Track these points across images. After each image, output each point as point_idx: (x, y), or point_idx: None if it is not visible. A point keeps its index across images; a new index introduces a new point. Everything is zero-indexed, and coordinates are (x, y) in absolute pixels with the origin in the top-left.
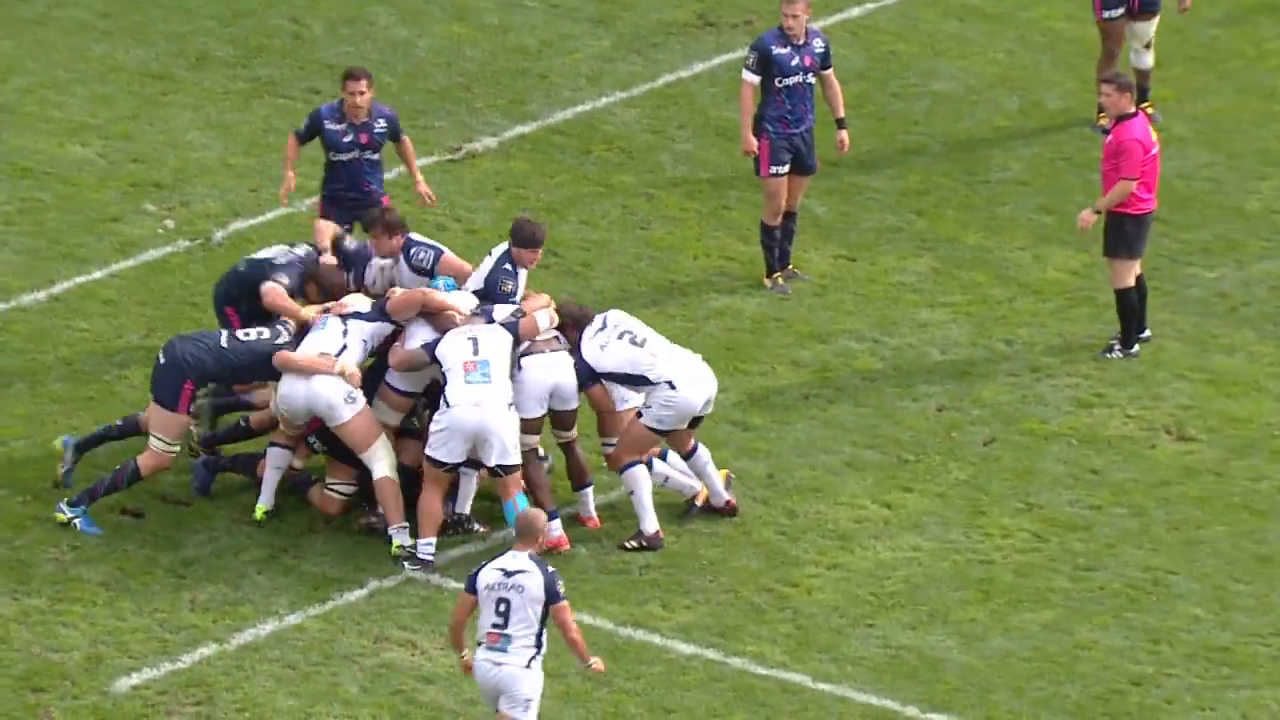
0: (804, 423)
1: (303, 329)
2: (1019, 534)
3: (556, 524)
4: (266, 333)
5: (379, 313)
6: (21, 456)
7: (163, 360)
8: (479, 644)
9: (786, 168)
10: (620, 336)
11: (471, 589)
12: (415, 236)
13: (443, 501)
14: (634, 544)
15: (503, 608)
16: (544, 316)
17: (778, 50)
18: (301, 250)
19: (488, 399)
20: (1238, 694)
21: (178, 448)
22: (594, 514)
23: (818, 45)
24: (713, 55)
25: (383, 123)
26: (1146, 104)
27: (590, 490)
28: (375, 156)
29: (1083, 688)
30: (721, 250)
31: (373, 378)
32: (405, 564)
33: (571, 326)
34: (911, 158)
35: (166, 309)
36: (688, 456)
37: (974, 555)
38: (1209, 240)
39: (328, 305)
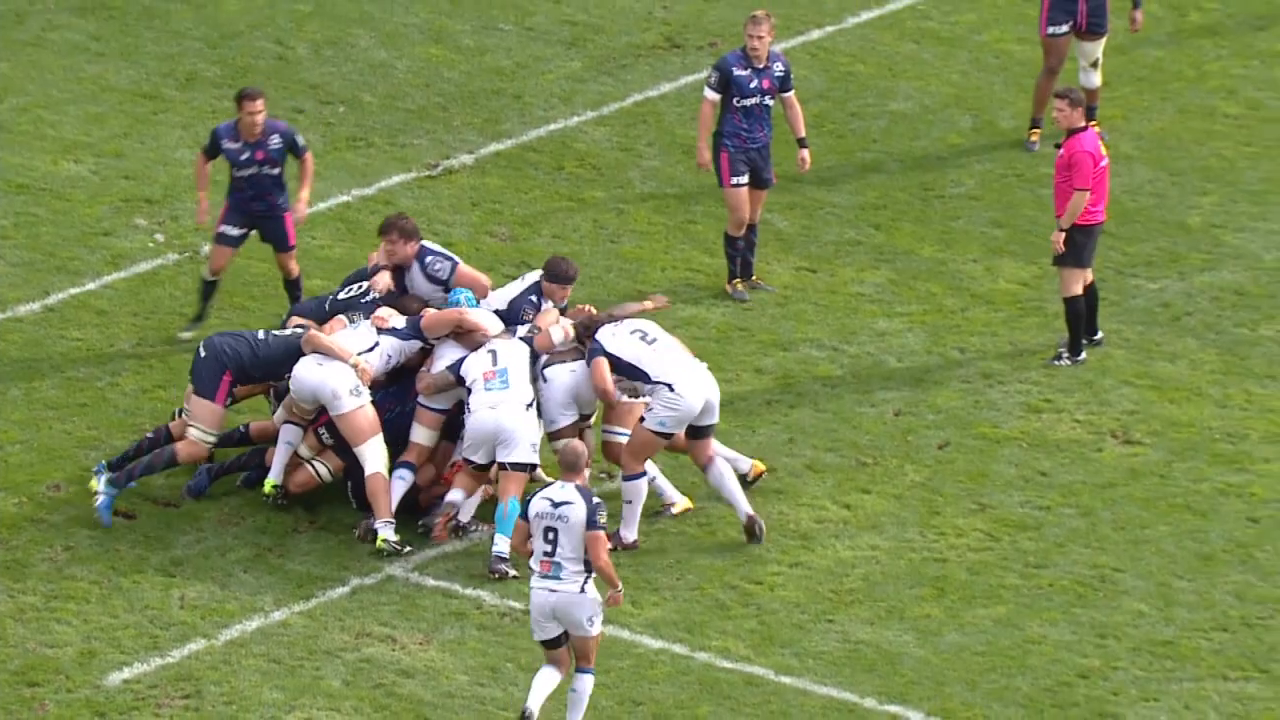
0: (766, 427)
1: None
2: (972, 533)
3: None
4: (298, 330)
5: (414, 329)
6: (17, 460)
7: (203, 353)
8: (533, 572)
9: (746, 179)
10: (632, 332)
11: (524, 516)
12: (430, 245)
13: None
14: (610, 546)
15: (551, 536)
16: (557, 331)
17: (739, 72)
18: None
19: (504, 401)
20: (1181, 686)
21: (214, 438)
22: None
23: (778, 69)
24: (679, 76)
25: (277, 138)
26: (1093, 122)
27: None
28: (275, 171)
29: (1033, 680)
30: (687, 262)
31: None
32: (389, 557)
33: (587, 337)
34: (870, 174)
35: (156, 319)
36: (705, 469)
37: (929, 554)
38: (1153, 253)
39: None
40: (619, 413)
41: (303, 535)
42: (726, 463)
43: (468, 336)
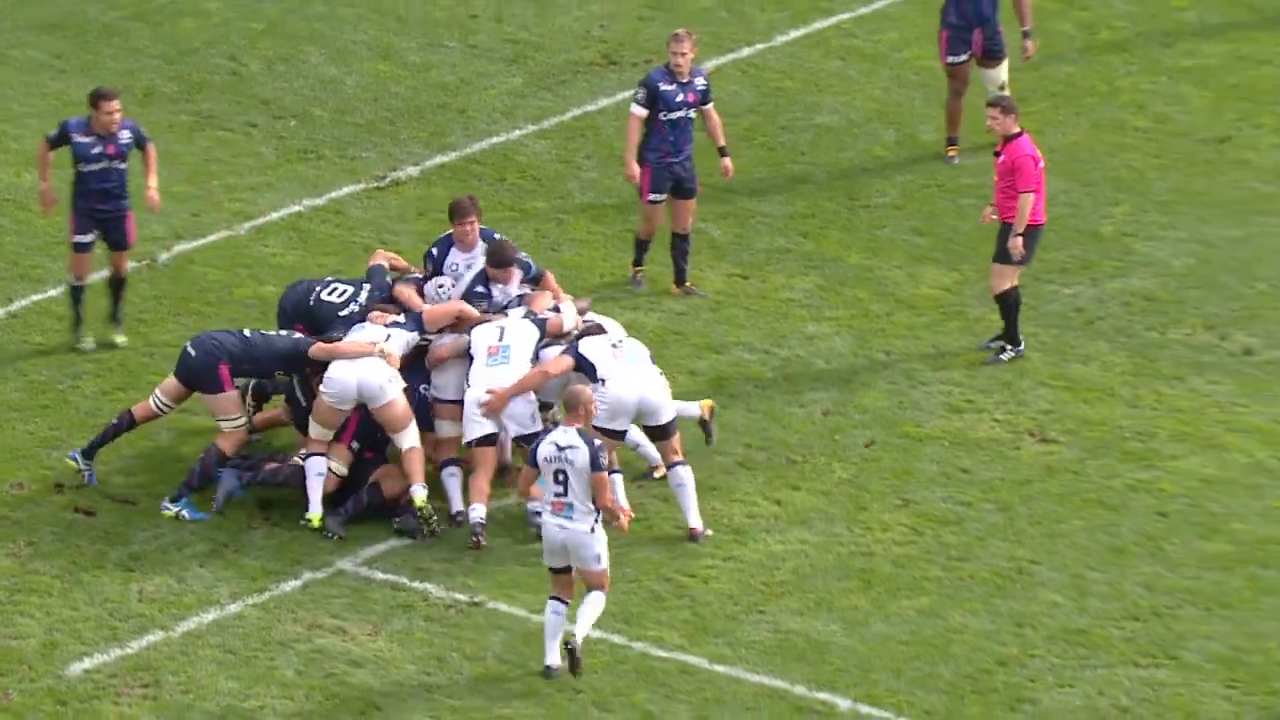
0: (700, 426)
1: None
2: (897, 528)
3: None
4: (285, 334)
5: (415, 323)
6: None
7: (194, 354)
8: (546, 509)
9: (664, 195)
10: (614, 345)
11: (533, 462)
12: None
13: (491, 480)
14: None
15: (561, 478)
16: (569, 317)
17: (664, 87)
18: (363, 296)
19: (503, 380)
20: (1094, 673)
21: (243, 420)
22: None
23: (699, 83)
24: (616, 91)
25: (127, 134)
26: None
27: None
28: (123, 166)
29: (954, 668)
30: (625, 270)
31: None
32: (432, 525)
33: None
34: (798, 185)
35: None
36: (668, 469)
37: (856, 548)
38: (1067, 261)
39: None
40: None
41: (257, 531)
42: (689, 471)
43: (465, 328)
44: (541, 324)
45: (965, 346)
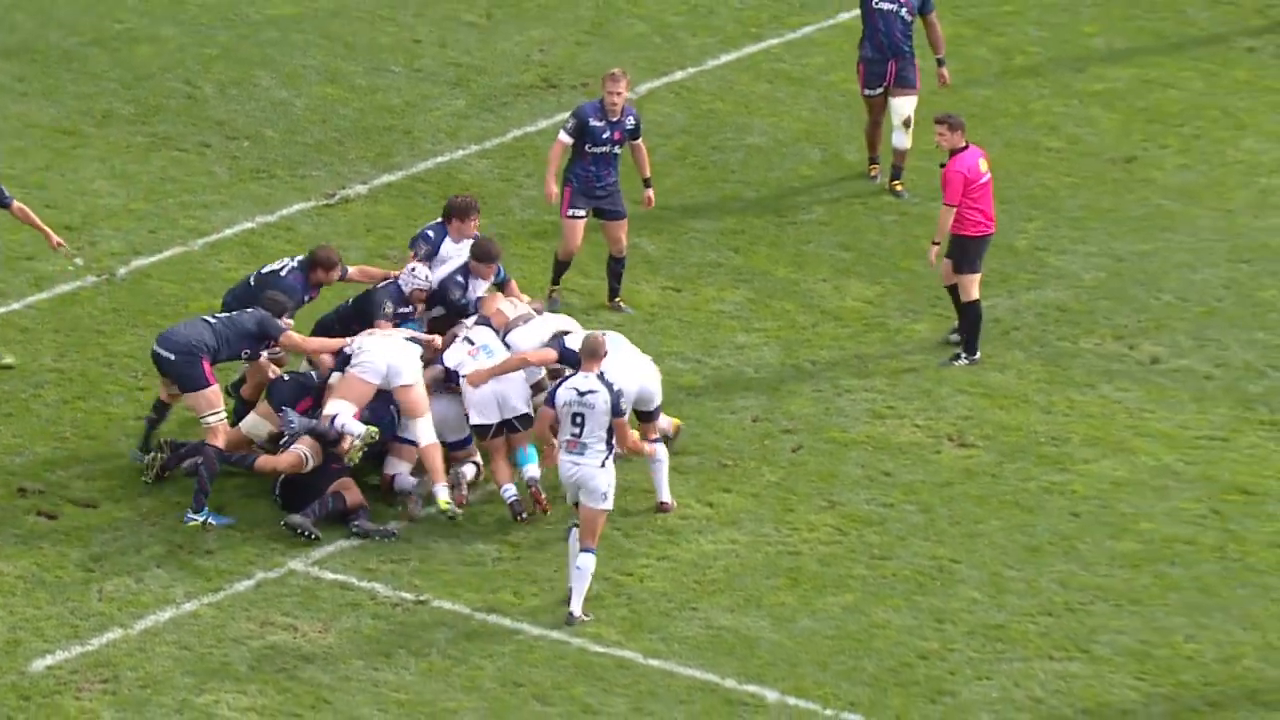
0: (636, 432)
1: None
2: (823, 528)
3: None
4: (244, 312)
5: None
6: None
7: (172, 356)
8: (561, 448)
9: (584, 213)
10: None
11: (551, 404)
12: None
13: (508, 468)
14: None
15: (579, 420)
16: (506, 304)
17: (594, 122)
18: (295, 261)
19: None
20: (1011, 666)
21: (223, 413)
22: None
23: (629, 122)
24: (555, 113)
25: None
26: (897, 182)
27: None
28: None
29: (878, 661)
30: (565, 284)
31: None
32: (451, 516)
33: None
34: (729, 202)
35: (76, 336)
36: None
37: (784, 547)
38: (985, 274)
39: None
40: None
41: (211, 533)
42: (665, 450)
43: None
44: (487, 322)
45: (887, 355)
